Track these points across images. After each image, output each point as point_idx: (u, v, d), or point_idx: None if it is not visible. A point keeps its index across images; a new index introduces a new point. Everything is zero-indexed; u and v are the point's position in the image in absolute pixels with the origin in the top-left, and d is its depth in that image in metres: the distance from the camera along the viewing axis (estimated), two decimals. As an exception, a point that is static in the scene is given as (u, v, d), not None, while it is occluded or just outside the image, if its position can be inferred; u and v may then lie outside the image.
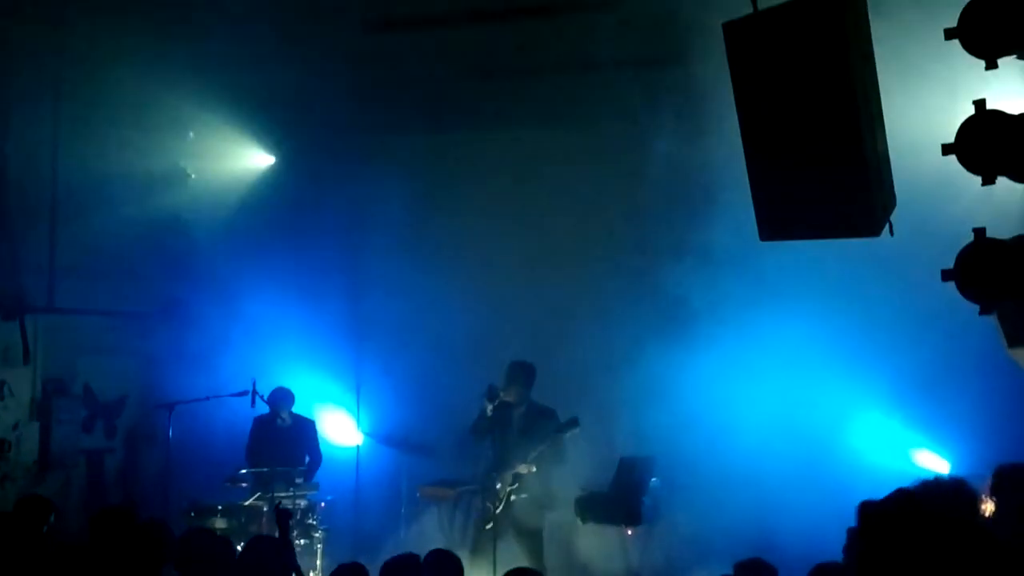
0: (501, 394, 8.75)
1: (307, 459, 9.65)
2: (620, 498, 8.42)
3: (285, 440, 9.49)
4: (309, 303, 10.71)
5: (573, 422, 8.62)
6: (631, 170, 9.77)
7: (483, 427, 8.84)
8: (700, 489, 8.53)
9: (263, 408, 9.47)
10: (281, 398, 9.68)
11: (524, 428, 8.86)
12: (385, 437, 10.34)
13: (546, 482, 8.72)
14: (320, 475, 9.66)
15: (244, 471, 9.09)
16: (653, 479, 8.68)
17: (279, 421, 9.66)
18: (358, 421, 10.66)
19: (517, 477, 8.65)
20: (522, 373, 8.94)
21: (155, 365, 11.00)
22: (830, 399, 8.80)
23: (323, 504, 9.18)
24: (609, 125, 10.16)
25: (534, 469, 8.63)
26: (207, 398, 9.49)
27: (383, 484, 10.37)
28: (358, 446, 10.64)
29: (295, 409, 9.91)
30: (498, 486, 8.61)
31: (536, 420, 8.87)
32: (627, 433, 9.24)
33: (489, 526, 8.52)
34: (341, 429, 10.86)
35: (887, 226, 4.97)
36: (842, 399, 8.81)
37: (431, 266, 10.72)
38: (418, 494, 9.72)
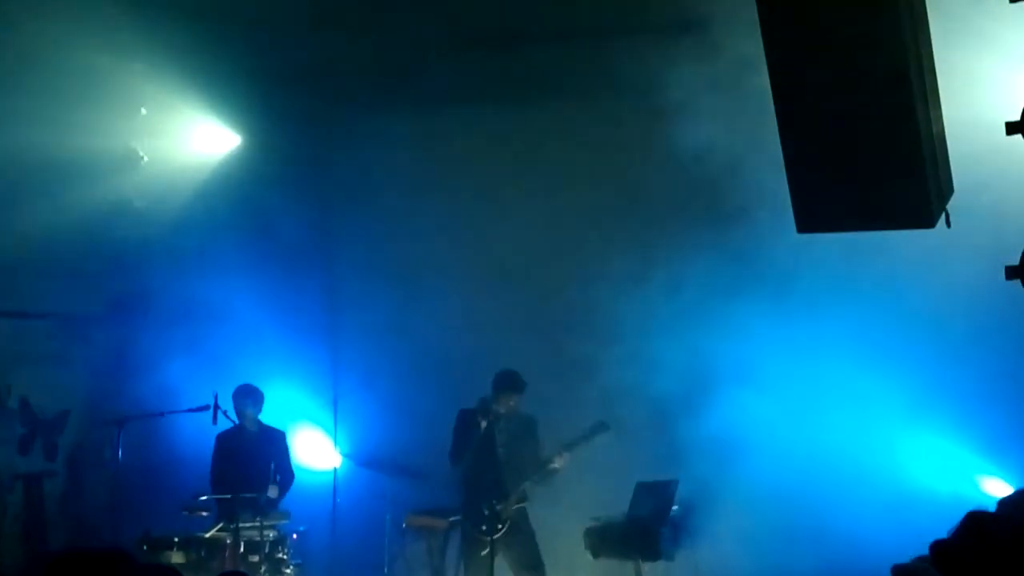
0: (495, 407, 8.86)
1: (277, 478, 9.64)
2: (636, 529, 8.45)
3: (253, 457, 9.46)
4: (280, 304, 10.76)
5: (601, 426, 8.74)
6: (643, 150, 9.83)
7: (466, 449, 8.95)
8: (728, 519, 8.55)
9: (225, 424, 9.47)
10: (245, 396, 9.64)
11: (509, 441, 9.01)
12: (366, 458, 10.33)
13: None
14: (292, 502, 9.66)
15: (205, 497, 9.09)
16: (674, 507, 8.68)
17: (245, 426, 9.61)
18: (335, 440, 10.67)
19: (525, 495, 8.75)
20: (513, 382, 9.05)
21: (103, 375, 11.03)
22: (878, 416, 8.85)
23: (295, 535, 9.20)
24: (619, 99, 10.17)
25: (557, 466, 8.81)
26: (162, 413, 9.52)
27: (364, 512, 10.36)
28: (335, 469, 10.65)
29: (263, 418, 9.92)
30: (499, 508, 8.72)
31: (519, 431, 9.04)
32: (645, 454, 9.25)
33: (485, 552, 8.65)
34: (316, 449, 10.87)
35: (943, 217, 4.97)
36: (892, 416, 8.86)
37: (420, 261, 10.77)
38: (404, 524, 9.72)
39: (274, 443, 9.79)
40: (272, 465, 9.56)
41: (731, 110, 7.86)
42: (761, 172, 6.75)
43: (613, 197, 10.28)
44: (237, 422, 9.51)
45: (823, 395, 8.90)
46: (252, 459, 9.42)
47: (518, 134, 10.64)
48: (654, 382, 8.88)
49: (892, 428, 8.91)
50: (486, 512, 8.79)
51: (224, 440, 9.72)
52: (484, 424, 8.89)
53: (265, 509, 9.01)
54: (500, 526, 8.74)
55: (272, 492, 9.11)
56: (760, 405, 8.79)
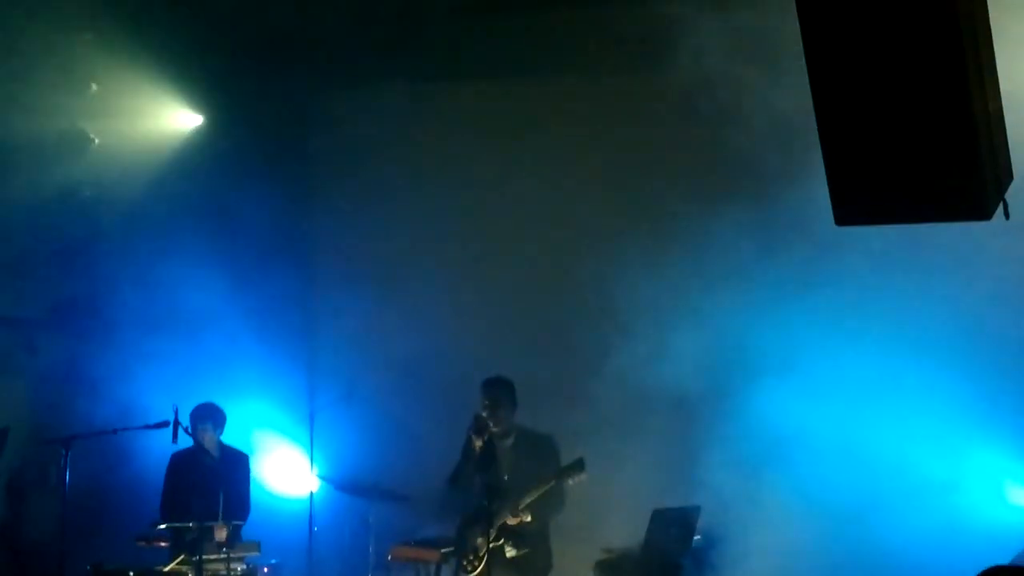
0: (490, 424, 8.84)
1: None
2: (654, 562, 8.41)
3: (212, 485, 9.42)
4: (248, 306, 10.74)
5: (577, 466, 8.67)
6: (660, 119, 9.90)
7: (468, 474, 8.90)
8: (758, 550, 8.50)
9: (186, 441, 9.44)
10: (203, 416, 9.62)
11: (515, 465, 8.95)
12: (347, 481, 10.29)
13: (545, 535, 8.85)
14: (264, 531, 9.65)
15: (163, 526, 9.07)
16: (696, 536, 8.66)
17: (204, 449, 9.57)
18: (312, 461, 10.64)
19: (504, 531, 8.66)
20: (504, 392, 9.02)
21: (47, 387, 11.01)
22: (937, 436, 8.79)
23: (267, 569, 9.20)
24: (630, 65, 10.16)
25: (528, 519, 8.70)
26: (115, 431, 9.46)
27: (344, 543, 10.33)
28: (312, 493, 10.62)
29: (226, 439, 9.91)
30: (478, 541, 8.69)
31: (531, 453, 8.98)
32: (663, 476, 9.21)
33: None
34: (290, 472, 10.85)
35: (1000, 206, 4.93)
36: (953, 437, 8.80)
37: (406, 256, 10.77)
38: (390, 556, 9.66)
39: (235, 469, 9.74)
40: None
41: (756, 70, 7.85)
42: (797, 137, 6.71)
43: (625, 173, 10.29)
44: (193, 444, 9.49)
45: (873, 402, 8.90)
46: (211, 487, 9.35)
47: (518, 109, 10.67)
48: (674, 382, 8.89)
49: (954, 441, 8.84)
50: (468, 545, 8.80)
51: (179, 460, 9.71)
52: (479, 444, 8.83)
53: (231, 539, 8.97)
54: (477, 562, 8.71)
55: (220, 535, 9.00)
56: (798, 410, 8.77)
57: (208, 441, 9.64)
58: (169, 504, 9.58)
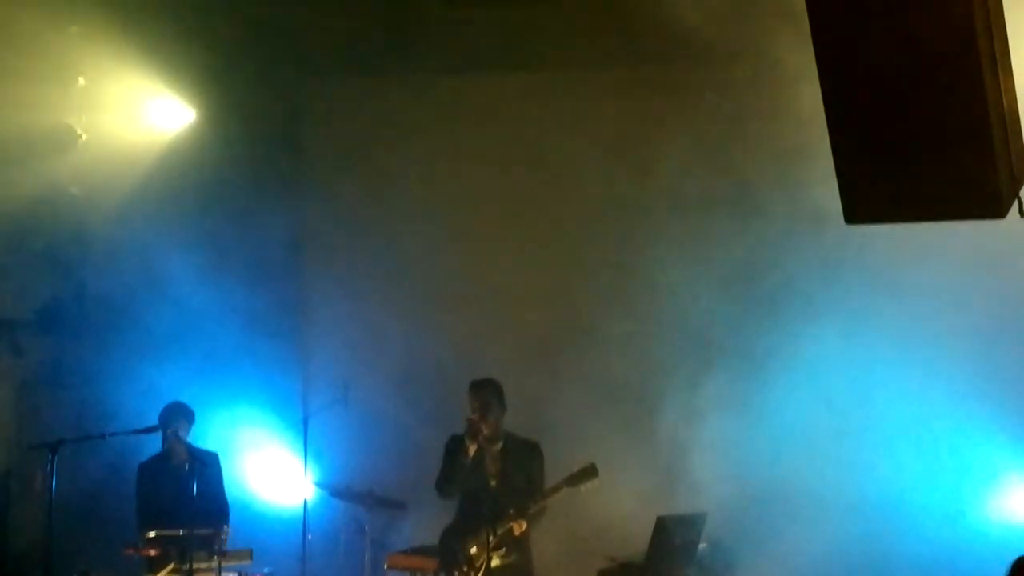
0: (483, 428, 8.86)
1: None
2: (658, 570, 8.39)
3: (184, 487, 9.41)
4: (241, 307, 10.70)
5: (589, 471, 8.65)
6: (661, 129, 9.86)
7: (458, 479, 8.91)
8: (769, 560, 8.50)
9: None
10: (173, 416, 9.61)
11: (502, 471, 8.95)
12: (342, 488, 10.29)
13: (528, 542, 8.87)
14: (256, 538, 9.68)
15: (152, 534, 9.08)
16: (702, 545, 8.66)
17: (175, 451, 9.58)
18: (306, 467, 10.63)
19: (506, 539, 8.68)
20: (492, 394, 9.01)
21: (33, 391, 11.00)
22: (972, 447, 8.84)
23: (259, 579, 9.20)
24: (637, 65, 10.17)
25: (524, 526, 8.73)
26: (103, 436, 9.45)
27: (339, 551, 10.33)
28: (305, 501, 10.61)
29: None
30: (473, 551, 8.69)
31: (518, 460, 8.97)
32: (667, 482, 9.22)
33: None
34: (283, 478, 10.86)
35: (1016, 204, 4.94)
36: (993, 449, 8.83)
37: (404, 253, 10.78)
38: (386, 565, 9.70)
39: (206, 469, 9.72)
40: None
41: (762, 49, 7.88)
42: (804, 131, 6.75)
43: (627, 171, 10.29)
44: (161, 448, 9.50)
45: (883, 404, 8.97)
46: (185, 492, 9.32)
47: (516, 103, 10.66)
48: (679, 387, 8.91)
49: (995, 469, 8.89)
50: (460, 556, 8.79)
51: (148, 470, 9.74)
52: (473, 449, 8.86)
53: (222, 547, 9.00)
54: (473, 573, 8.71)
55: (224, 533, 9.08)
56: (805, 413, 8.83)
57: (179, 441, 9.61)
58: (145, 515, 9.56)
